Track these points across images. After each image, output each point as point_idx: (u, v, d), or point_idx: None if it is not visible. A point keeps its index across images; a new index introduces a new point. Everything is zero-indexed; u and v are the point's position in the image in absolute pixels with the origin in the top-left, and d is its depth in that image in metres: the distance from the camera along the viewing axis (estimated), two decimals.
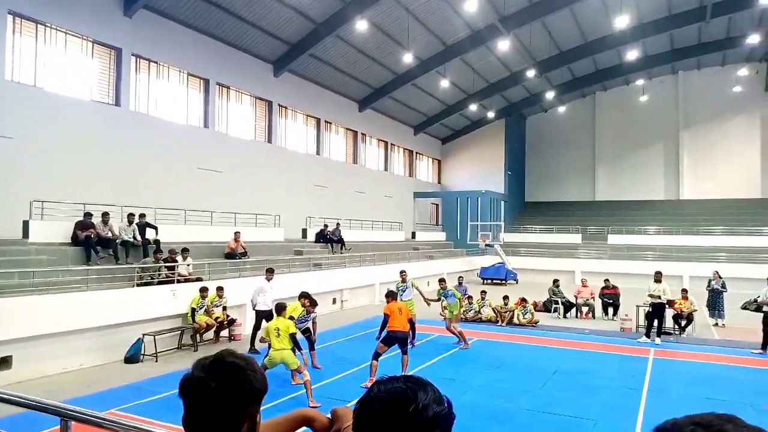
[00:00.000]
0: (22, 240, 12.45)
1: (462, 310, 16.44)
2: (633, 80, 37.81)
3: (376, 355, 9.75)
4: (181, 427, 1.44)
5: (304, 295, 10.72)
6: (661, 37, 29.88)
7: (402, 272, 12.99)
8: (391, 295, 10.70)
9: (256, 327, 12.80)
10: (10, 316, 9.64)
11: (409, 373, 1.19)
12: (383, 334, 9.95)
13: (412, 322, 11.06)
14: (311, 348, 11.01)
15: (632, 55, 29.95)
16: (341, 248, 22.63)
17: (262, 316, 12.75)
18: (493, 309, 17.01)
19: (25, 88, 14.84)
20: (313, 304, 10.92)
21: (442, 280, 13.53)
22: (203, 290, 12.87)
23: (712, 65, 36.21)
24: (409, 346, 10.90)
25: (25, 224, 12.64)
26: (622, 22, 24.54)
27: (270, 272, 13.32)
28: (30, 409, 2.58)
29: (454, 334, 13.07)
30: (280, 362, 8.88)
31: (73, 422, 2.45)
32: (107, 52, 17.25)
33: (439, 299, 13.59)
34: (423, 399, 1.10)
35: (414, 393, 1.11)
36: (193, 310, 12.67)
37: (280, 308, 9.62)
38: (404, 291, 12.81)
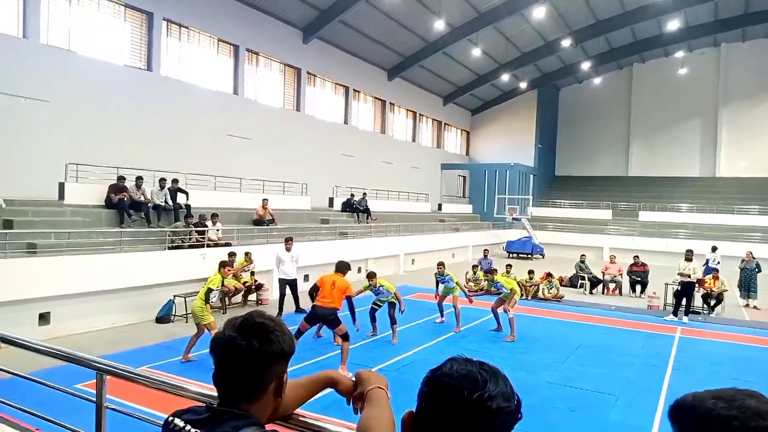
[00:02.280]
0: (59, 201, 12.81)
1: (485, 283, 16.41)
2: (672, 52, 36.40)
3: (298, 333, 8.53)
4: (211, 385, 1.49)
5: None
6: (705, 7, 28.55)
7: (440, 264, 12.82)
8: (340, 267, 9.14)
9: (281, 295, 13.01)
10: (47, 274, 10.01)
11: (486, 362, 1.16)
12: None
13: (350, 301, 9.68)
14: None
15: (673, 25, 28.81)
16: (367, 218, 22.72)
17: (284, 284, 12.92)
18: (518, 283, 16.94)
19: (59, 52, 15.04)
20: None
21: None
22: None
23: (757, 37, 34.55)
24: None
25: (61, 186, 12.99)
26: None
27: (288, 241, 13.13)
28: (69, 362, 2.69)
29: (496, 317, 12.07)
30: (192, 311, 9.35)
31: (108, 376, 2.55)
32: (139, 16, 17.32)
33: (487, 290, 13.56)
34: (492, 390, 1.08)
35: (484, 381, 1.09)
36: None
37: (223, 264, 9.58)
38: (443, 282, 12.67)
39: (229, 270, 9.84)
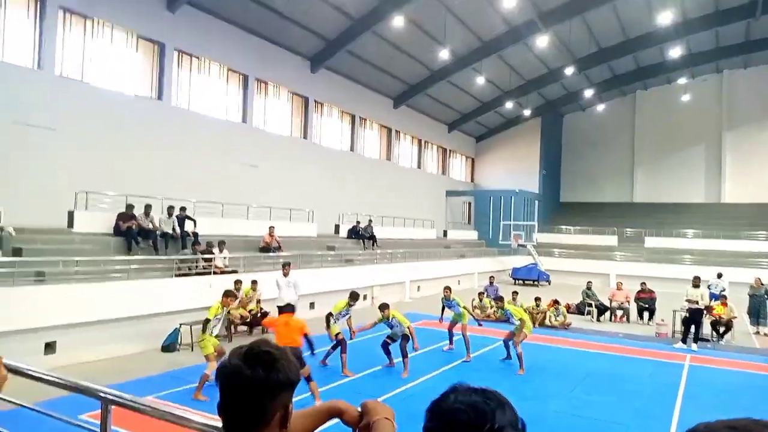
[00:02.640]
0: (67, 229, 12.91)
1: (492, 311, 16.30)
2: (675, 79, 36.64)
3: None
4: (216, 415, 1.50)
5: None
6: (707, 35, 28.90)
7: (446, 288, 12.73)
8: (286, 308, 9.50)
9: None
10: (54, 302, 10.04)
11: (488, 388, 1.15)
12: None
13: (308, 337, 9.42)
14: (342, 350, 10.37)
15: (675, 52, 29.13)
16: (373, 245, 22.71)
17: (281, 311, 12.79)
18: (525, 310, 16.81)
19: (72, 83, 15.35)
20: (354, 298, 10.95)
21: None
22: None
23: (759, 64, 34.81)
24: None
25: (70, 214, 13.10)
26: (665, 18, 23.91)
27: (285, 266, 12.91)
28: (73, 392, 2.70)
29: (507, 347, 11.64)
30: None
31: (113, 406, 2.55)
32: (151, 46, 17.71)
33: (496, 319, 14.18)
34: (501, 420, 1.07)
35: (492, 412, 1.07)
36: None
37: (227, 294, 9.48)
38: (450, 307, 12.55)
39: (231, 300, 9.60)
